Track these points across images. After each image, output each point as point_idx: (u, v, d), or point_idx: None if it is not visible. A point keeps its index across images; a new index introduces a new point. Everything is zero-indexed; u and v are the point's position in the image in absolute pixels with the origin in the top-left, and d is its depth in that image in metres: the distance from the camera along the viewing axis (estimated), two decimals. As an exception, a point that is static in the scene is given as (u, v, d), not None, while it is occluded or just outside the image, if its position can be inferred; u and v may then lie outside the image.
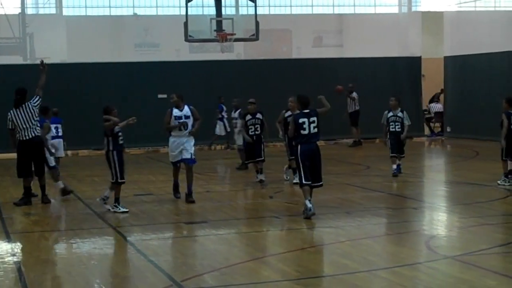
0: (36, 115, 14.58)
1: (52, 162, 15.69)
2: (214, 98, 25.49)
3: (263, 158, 16.89)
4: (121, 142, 13.66)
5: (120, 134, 13.61)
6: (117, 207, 13.56)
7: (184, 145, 14.40)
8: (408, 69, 29.72)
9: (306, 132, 12.47)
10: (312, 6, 36.41)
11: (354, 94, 26.17)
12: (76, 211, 14.16)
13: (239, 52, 32.26)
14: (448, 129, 29.67)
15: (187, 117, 14.43)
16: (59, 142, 19.25)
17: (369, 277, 8.98)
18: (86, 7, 32.76)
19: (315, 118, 12.54)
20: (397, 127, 17.63)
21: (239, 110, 20.68)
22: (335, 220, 12.45)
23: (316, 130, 12.54)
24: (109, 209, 13.59)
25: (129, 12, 32.13)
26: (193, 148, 14.48)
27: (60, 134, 19.24)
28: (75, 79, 26.22)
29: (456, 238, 11.29)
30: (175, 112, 14.44)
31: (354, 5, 36.65)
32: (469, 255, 9.69)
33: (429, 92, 31.16)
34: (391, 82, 28.58)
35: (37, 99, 14.56)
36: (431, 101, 31.31)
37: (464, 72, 28.88)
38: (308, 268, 9.56)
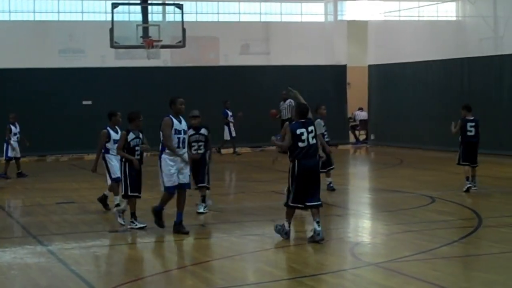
0: None
1: (115, 173, 14.06)
2: (139, 105, 25.19)
3: (205, 184, 13.85)
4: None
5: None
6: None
7: (180, 166, 11.93)
8: (333, 77, 30.01)
9: (304, 144, 10.98)
10: (239, 13, 36.51)
11: (289, 101, 26.18)
12: (-4, 220, 13.83)
13: (165, 59, 32.07)
14: (372, 137, 30.07)
15: (185, 132, 11.97)
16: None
17: (294, 285, 9.00)
18: (10, 12, 32.14)
19: (312, 127, 11.15)
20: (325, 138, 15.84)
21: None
22: (260, 228, 12.45)
23: (315, 140, 11.11)
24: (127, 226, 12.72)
25: (54, 17, 31.63)
26: (188, 169, 12.17)
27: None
28: (-3, 84, 25.71)
29: (380, 245, 11.40)
30: (176, 124, 11.79)
31: (281, 13, 36.89)
32: (393, 262, 9.78)
33: (354, 100, 31.51)
34: (317, 89, 28.72)
35: None
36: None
37: (388, 80, 29.33)
38: (233, 276, 9.50)
